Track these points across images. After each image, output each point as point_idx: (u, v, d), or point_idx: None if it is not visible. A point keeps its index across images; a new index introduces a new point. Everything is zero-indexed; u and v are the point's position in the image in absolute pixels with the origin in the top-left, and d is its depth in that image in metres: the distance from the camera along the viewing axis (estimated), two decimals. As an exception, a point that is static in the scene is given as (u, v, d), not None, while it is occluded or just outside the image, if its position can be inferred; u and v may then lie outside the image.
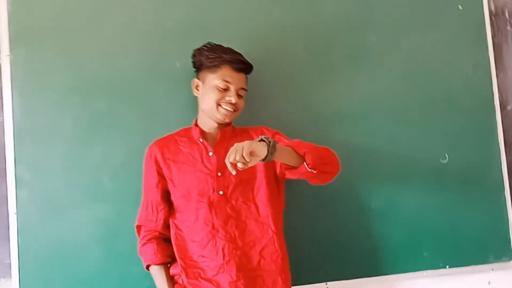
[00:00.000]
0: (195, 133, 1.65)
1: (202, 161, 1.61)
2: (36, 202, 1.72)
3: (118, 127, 1.78)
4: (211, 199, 1.57)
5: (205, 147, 1.62)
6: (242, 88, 1.64)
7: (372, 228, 1.91)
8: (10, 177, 1.73)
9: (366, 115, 1.96)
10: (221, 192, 1.58)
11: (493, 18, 2.14)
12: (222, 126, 1.66)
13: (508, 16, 2.18)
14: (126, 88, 1.80)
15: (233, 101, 1.60)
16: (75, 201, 1.74)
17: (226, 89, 1.61)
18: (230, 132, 1.67)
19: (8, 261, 1.73)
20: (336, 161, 1.58)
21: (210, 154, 1.61)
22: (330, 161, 1.55)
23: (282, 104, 1.90)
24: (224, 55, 1.60)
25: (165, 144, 1.66)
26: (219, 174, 1.59)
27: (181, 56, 1.78)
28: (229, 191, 1.59)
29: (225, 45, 1.65)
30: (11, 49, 1.75)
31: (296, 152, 1.47)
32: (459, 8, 2.07)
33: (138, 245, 1.65)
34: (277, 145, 1.41)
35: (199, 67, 1.67)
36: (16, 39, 1.75)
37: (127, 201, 1.74)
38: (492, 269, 2.01)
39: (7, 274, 1.75)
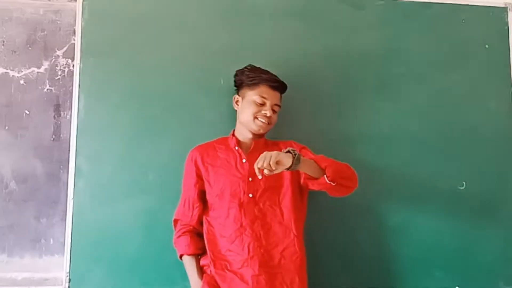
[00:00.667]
0: (232, 142, 1.85)
1: (236, 167, 1.80)
2: (90, 190, 1.97)
3: (166, 131, 2.02)
4: (242, 201, 1.75)
5: (239, 155, 1.81)
6: (276, 104, 1.84)
7: (388, 244, 2.04)
8: (71, 167, 1.99)
9: (391, 139, 2.11)
10: (250, 195, 1.75)
11: (518, 57, 2.26)
12: (256, 137, 1.85)
13: (533, 55, 2.29)
14: (176, 99, 2.04)
15: (268, 114, 1.80)
16: (124, 192, 1.97)
17: (262, 104, 1.81)
18: (263, 143, 1.85)
19: (63, 240, 1.98)
20: (354, 177, 1.74)
21: (244, 161, 1.80)
22: (349, 176, 1.72)
23: (313, 124, 2.09)
24: (263, 75, 1.82)
25: (205, 149, 1.86)
26: (250, 179, 1.77)
27: (224, 74, 2.00)
28: (258, 194, 1.76)
29: (263, 68, 1.86)
30: (81, 58, 2.03)
31: (318, 165, 1.66)
32: (485, 47, 2.21)
33: (174, 236, 1.84)
34: (301, 157, 1.60)
35: (239, 85, 1.88)
36: (86, 50, 2.03)
37: (168, 196, 1.95)
38: (502, 293, 2.09)
39: (61, 251, 1.99)
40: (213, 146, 1.87)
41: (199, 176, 1.83)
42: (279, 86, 1.85)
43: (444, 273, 2.05)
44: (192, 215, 1.82)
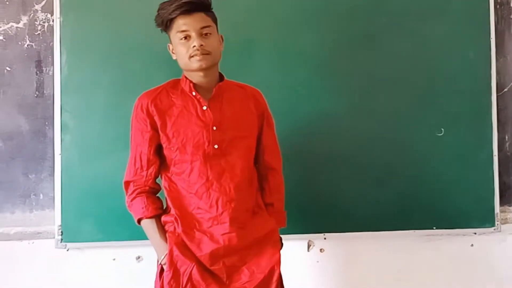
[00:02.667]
0: (186, 86, 1.58)
1: (197, 115, 1.56)
2: (77, 145, 2.00)
3: (151, 85, 1.95)
4: (206, 152, 1.55)
5: (199, 101, 1.57)
6: (204, 27, 1.51)
7: (369, 189, 2.13)
8: (56, 123, 2.00)
9: (371, 88, 2.15)
10: (216, 146, 1.55)
11: (497, 6, 2.28)
12: (211, 77, 1.58)
13: (513, 5, 2.34)
14: (160, 52, 1.95)
15: (196, 44, 1.49)
16: (110, 146, 2.00)
17: (187, 38, 1.52)
18: (224, 86, 1.61)
19: (52, 195, 2.02)
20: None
21: (204, 108, 1.56)
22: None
23: (294, 75, 2.10)
24: (170, 7, 1.51)
25: (157, 95, 1.59)
26: (214, 128, 1.56)
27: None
28: (224, 145, 1.57)
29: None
30: (61, 13, 2.00)
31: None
32: (466, -4, 2.23)
33: (127, 200, 1.62)
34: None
35: (165, 31, 1.59)
36: (66, 4, 2.00)
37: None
38: (475, 233, 2.21)
39: (51, 205, 2.04)
40: (165, 90, 1.61)
41: (154, 128, 1.57)
42: (193, 6, 1.51)
43: (422, 214, 2.16)
44: (147, 175, 1.59)
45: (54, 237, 1.99)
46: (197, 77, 1.57)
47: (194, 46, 1.50)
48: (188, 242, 1.53)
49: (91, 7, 2.01)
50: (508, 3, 2.32)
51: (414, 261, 2.22)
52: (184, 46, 1.52)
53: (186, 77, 1.59)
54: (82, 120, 2.00)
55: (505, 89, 2.30)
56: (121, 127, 1.98)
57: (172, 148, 1.57)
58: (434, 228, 2.16)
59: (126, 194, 1.63)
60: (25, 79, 2.05)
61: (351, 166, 2.13)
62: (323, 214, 2.10)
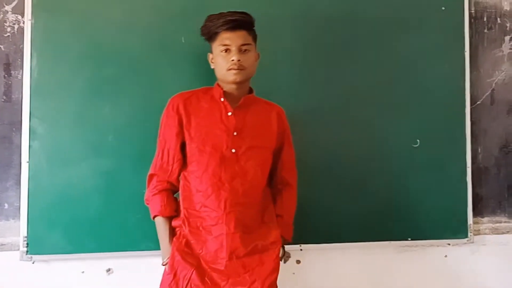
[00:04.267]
0: (217, 93, 1.71)
1: (221, 119, 1.68)
2: (46, 152, 1.91)
3: (125, 91, 1.96)
4: (223, 155, 1.65)
5: (225, 107, 1.68)
6: (244, 44, 1.66)
7: (345, 200, 2.12)
8: (24, 129, 1.91)
9: (347, 100, 2.15)
10: (233, 150, 1.66)
11: (472, 20, 2.33)
12: (242, 89, 1.71)
13: (487, 20, 2.38)
14: (134, 57, 1.98)
15: (235, 59, 1.63)
16: (81, 154, 1.93)
17: (228, 51, 1.65)
18: (252, 99, 1.74)
19: (18, 204, 1.93)
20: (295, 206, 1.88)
21: (229, 114, 1.68)
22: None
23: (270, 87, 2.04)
24: (217, 21, 1.65)
25: (188, 98, 1.72)
26: (235, 133, 1.67)
27: (186, 31, 1.96)
28: (241, 151, 1.67)
29: (241, 11, 1.69)
30: (33, 14, 1.92)
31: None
32: (442, 10, 2.26)
33: (148, 193, 1.70)
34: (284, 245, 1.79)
35: (208, 42, 1.74)
36: (37, 5, 1.93)
37: (127, 158, 1.93)
38: (449, 244, 2.24)
39: (16, 215, 1.94)
40: (196, 95, 1.74)
41: (181, 126, 1.69)
42: (238, 24, 1.66)
43: (397, 225, 2.16)
44: (172, 169, 1.69)
45: (19, 249, 1.90)
46: (229, 88, 1.71)
47: (233, 60, 1.64)
48: (194, 242, 1.63)
49: (63, 9, 1.95)
50: (482, 18, 2.37)
51: (390, 272, 2.22)
52: (224, 59, 1.66)
53: (219, 85, 1.72)
54: (51, 126, 1.92)
55: (478, 102, 2.34)
56: (93, 133, 1.95)
57: (192, 146, 1.68)
58: (409, 239, 2.17)
59: (148, 187, 1.71)
60: (-8, 83, 1.96)
61: (326, 176, 2.12)
62: (299, 225, 2.06)
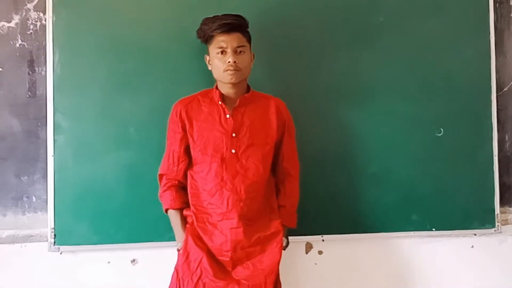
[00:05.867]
0: (216, 96, 1.80)
1: (220, 122, 1.78)
2: (71, 146, 1.96)
3: (145, 85, 1.99)
4: (224, 156, 1.76)
5: (223, 110, 1.78)
6: (239, 46, 1.74)
7: (367, 190, 2.10)
8: (49, 124, 1.96)
9: (369, 89, 2.12)
10: (233, 151, 1.76)
11: (497, 4, 2.26)
12: (239, 89, 1.79)
13: (512, 3, 2.31)
14: (155, 51, 2.00)
15: (230, 60, 1.71)
16: (104, 147, 1.97)
17: (224, 53, 1.74)
18: (248, 98, 1.81)
19: (45, 197, 1.98)
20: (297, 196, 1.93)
21: (227, 116, 1.77)
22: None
23: (291, 76, 2.08)
24: (212, 24, 1.74)
25: (189, 103, 1.82)
26: (234, 135, 1.76)
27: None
28: (241, 151, 1.77)
29: (235, 14, 1.77)
30: (54, 11, 1.96)
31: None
32: (465, -7, 2.19)
33: (160, 191, 1.85)
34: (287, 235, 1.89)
35: (205, 44, 1.82)
36: (58, 3, 1.96)
37: (149, 151, 1.96)
38: (475, 234, 2.19)
39: (44, 208, 2.00)
40: (197, 99, 1.84)
41: (184, 130, 1.81)
42: (232, 27, 1.74)
43: (421, 215, 2.13)
44: (177, 170, 1.82)
45: (47, 240, 1.95)
46: (226, 88, 1.80)
47: (229, 61, 1.72)
48: (202, 235, 1.75)
49: (84, 5, 1.98)
50: (508, 1, 2.29)
51: (413, 263, 2.19)
52: (220, 60, 1.74)
53: (217, 88, 1.82)
54: (75, 120, 1.96)
55: (505, 89, 2.28)
56: (115, 127, 1.98)
57: (195, 149, 1.79)
58: (434, 229, 2.14)
59: (160, 185, 1.86)
60: (17, 79, 2.01)
61: (349, 167, 2.10)
62: (321, 216, 2.07)
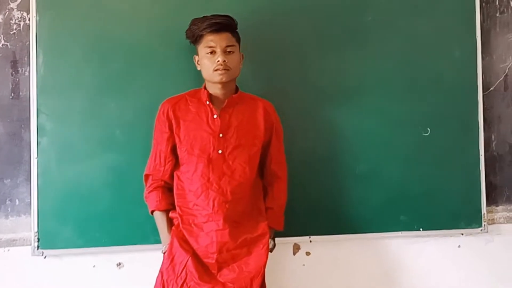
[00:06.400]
0: (203, 96, 1.78)
1: (207, 122, 1.76)
2: (55, 148, 1.93)
3: (132, 86, 1.97)
4: (210, 156, 1.74)
5: (211, 110, 1.76)
6: (228, 45, 1.74)
7: (355, 191, 2.10)
8: (32, 125, 1.93)
9: (358, 86, 2.12)
10: (220, 151, 1.74)
11: (483, 4, 2.27)
12: (227, 89, 1.78)
13: (499, 3, 2.31)
14: (141, 52, 1.97)
15: (220, 60, 1.70)
16: (90, 149, 1.94)
17: (213, 53, 1.73)
18: (236, 98, 1.80)
19: (29, 200, 1.95)
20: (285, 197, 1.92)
21: (215, 116, 1.76)
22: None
23: (280, 76, 2.07)
24: (201, 24, 1.74)
25: (177, 102, 1.80)
26: (221, 135, 1.75)
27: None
28: (228, 151, 1.75)
29: (224, 14, 1.77)
30: (38, 11, 1.93)
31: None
32: (452, -6, 2.20)
33: (145, 191, 1.82)
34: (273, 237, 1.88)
35: (194, 44, 1.81)
36: (42, 2, 1.93)
37: (135, 153, 1.93)
38: (462, 234, 2.20)
39: (27, 211, 1.97)
40: (185, 99, 1.81)
41: (171, 130, 1.78)
42: (222, 26, 1.74)
43: (409, 215, 2.14)
44: (164, 170, 1.80)
45: (30, 244, 1.92)
46: (215, 89, 1.78)
47: (218, 61, 1.71)
48: (187, 237, 1.73)
49: (68, 5, 1.95)
50: (494, 1, 2.30)
51: (401, 263, 2.19)
52: (209, 60, 1.73)
53: (205, 88, 1.80)
54: (59, 122, 1.94)
55: (491, 88, 2.29)
56: (100, 128, 1.96)
57: (182, 149, 1.77)
58: (421, 229, 2.14)
59: (145, 186, 1.83)
60: (0, 80, 1.97)
61: (336, 167, 2.10)
62: (308, 217, 2.06)
